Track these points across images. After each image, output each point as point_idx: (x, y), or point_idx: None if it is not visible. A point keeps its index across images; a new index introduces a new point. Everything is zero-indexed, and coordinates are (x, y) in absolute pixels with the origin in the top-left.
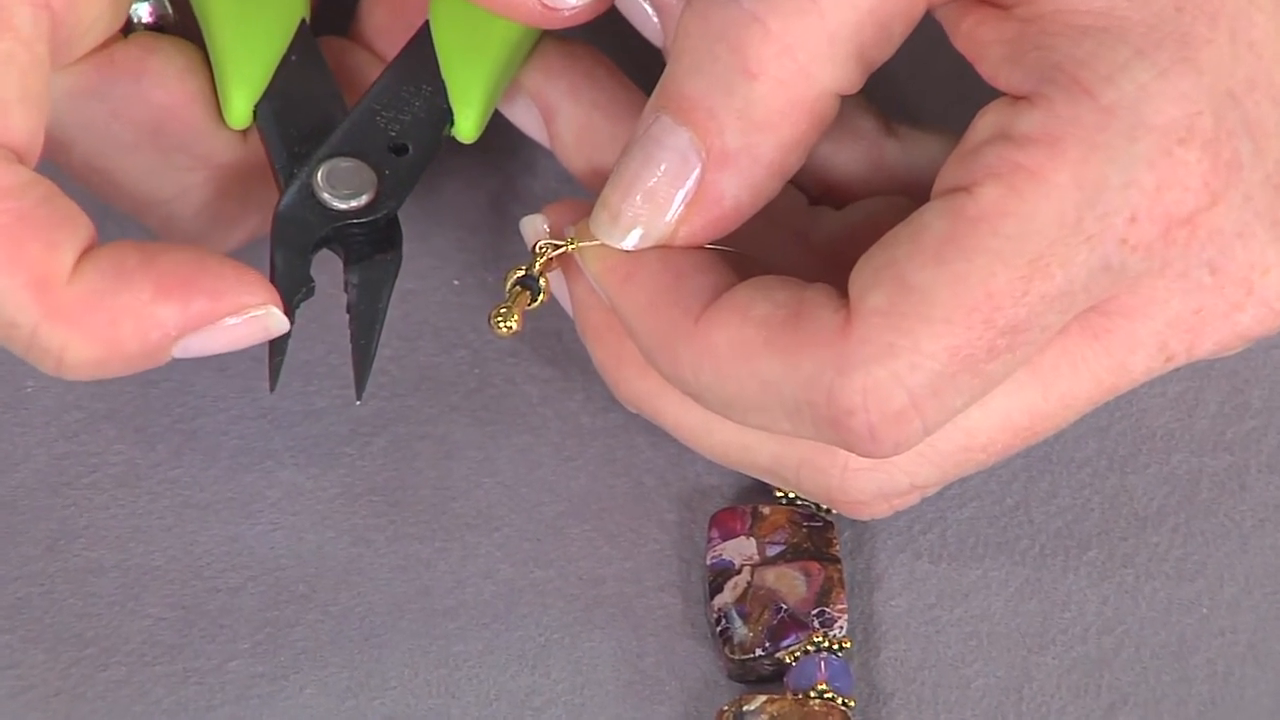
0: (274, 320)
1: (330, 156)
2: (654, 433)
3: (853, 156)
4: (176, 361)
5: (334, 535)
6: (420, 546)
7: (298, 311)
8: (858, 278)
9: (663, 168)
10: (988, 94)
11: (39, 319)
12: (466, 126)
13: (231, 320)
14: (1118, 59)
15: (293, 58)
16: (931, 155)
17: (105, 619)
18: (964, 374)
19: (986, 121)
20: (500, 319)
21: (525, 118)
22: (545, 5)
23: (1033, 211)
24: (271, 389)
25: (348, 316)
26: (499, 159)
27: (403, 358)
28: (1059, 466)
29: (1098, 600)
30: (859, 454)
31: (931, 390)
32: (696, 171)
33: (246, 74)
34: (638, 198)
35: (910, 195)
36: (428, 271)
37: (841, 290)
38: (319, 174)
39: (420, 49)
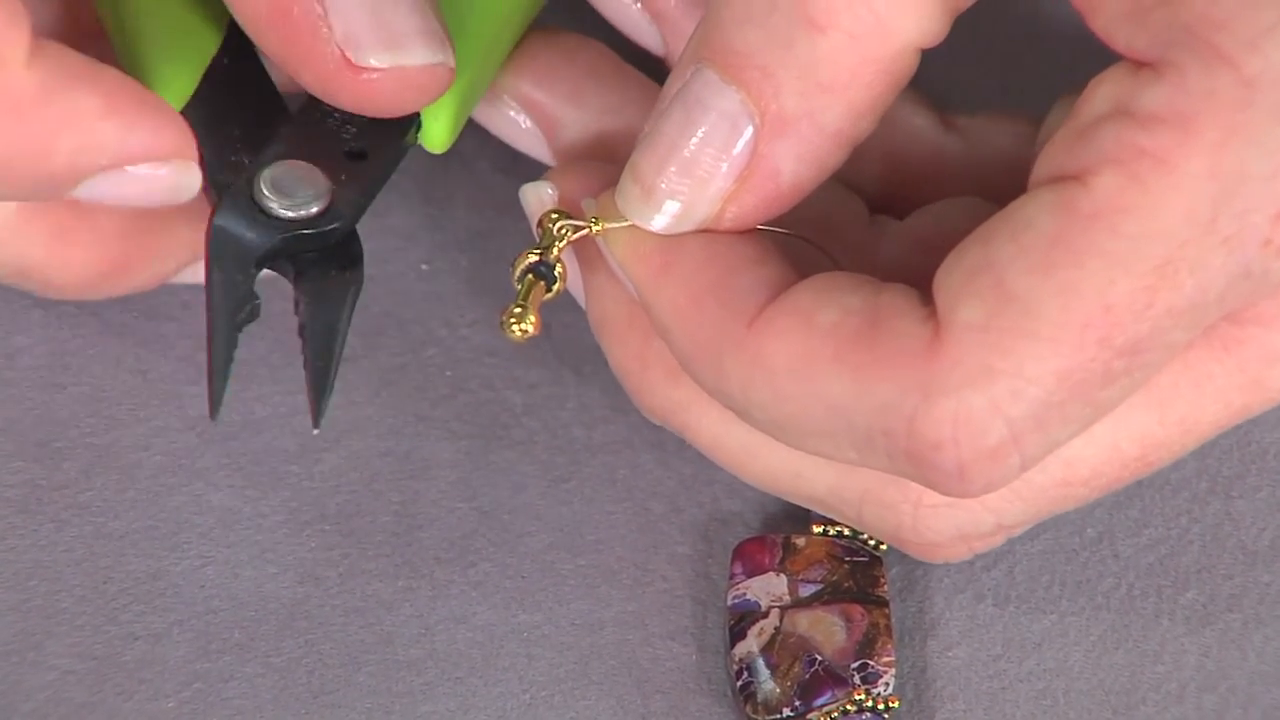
0: (187, 177)
1: (276, 160)
2: (662, 448)
3: (908, 162)
4: (87, 363)
5: (276, 571)
6: (380, 585)
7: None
8: (946, 282)
9: (703, 131)
10: (1043, 82)
11: None
12: (436, 133)
13: (146, 169)
14: (1263, 20)
15: (225, 60)
16: (999, 146)
17: (1, 672)
18: (1073, 402)
19: (1103, 93)
20: (514, 320)
21: (514, 131)
22: (348, 62)
23: (1159, 207)
24: (213, 416)
25: (300, 340)
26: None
27: (360, 358)
28: (1150, 490)
29: (1198, 651)
30: (941, 492)
31: (1035, 422)
32: (746, 138)
33: (170, 75)
34: (673, 168)
35: (982, 195)
36: (390, 254)
37: (925, 294)
38: (263, 178)
39: None
